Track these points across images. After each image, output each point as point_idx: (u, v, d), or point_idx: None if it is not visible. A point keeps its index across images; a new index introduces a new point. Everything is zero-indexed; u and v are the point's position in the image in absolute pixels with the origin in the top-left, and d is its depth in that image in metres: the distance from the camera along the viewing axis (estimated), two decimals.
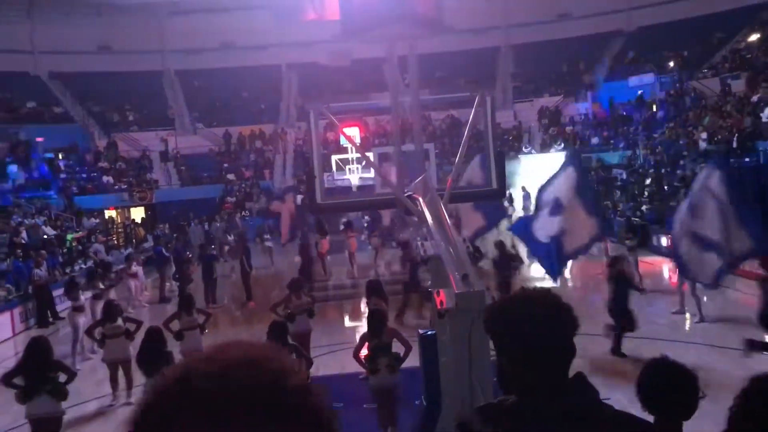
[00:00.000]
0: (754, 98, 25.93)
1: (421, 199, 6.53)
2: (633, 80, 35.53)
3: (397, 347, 8.34)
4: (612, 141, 32.63)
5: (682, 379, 3.28)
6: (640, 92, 34.75)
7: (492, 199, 8.59)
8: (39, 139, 32.12)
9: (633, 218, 22.26)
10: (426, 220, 6.16)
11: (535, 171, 30.63)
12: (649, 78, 35.05)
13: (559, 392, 1.90)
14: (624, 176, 27.97)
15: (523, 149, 33.57)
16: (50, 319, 17.35)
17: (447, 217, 6.06)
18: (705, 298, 13.63)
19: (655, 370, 3.33)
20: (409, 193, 7.04)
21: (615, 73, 37.64)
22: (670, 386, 3.25)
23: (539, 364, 1.93)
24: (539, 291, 2.04)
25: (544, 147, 34.09)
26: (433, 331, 6.31)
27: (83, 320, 13.50)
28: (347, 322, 16.24)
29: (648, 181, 25.26)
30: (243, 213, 30.60)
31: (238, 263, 18.97)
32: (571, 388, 1.93)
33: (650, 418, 3.20)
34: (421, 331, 6.97)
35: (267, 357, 0.85)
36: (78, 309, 13.70)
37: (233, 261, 23.01)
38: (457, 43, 33.18)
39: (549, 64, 39.92)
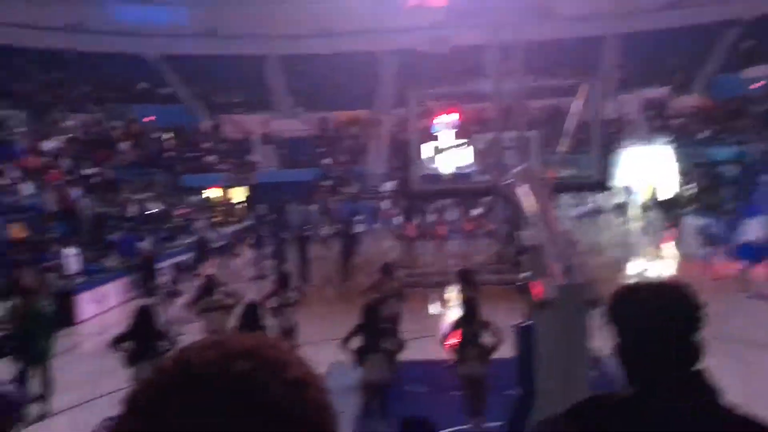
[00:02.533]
0: None
1: (522, 188, 6.42)
2: (748, 72, 33.53)
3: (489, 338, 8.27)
4: (722, 136, 30.97)
5: None
6: (756, 85, 32.76)
7: (596, 190, 8.34)
8: (149, 119, 33.69)
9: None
10: (526, 210, 6.06)
11: (639, 165, 29.62)
12: (765, 70, 32.99)
13: (678, 390, 1.82)
14: (733, 173, 26.57)
15: (626, 142, 32.40)
16: (155, 291, 18.17)
17: (550, 206, 5.94)
18: None
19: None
20: (510, 181, 6.94)
21: (728, 65, 35.66)
22: None
23: (660, 358, 1.85)
24: (670, 282, 1.95)
25: (648, 140, 32.76)
26: (530, 322, 6.22)
27: (180, 301, 14.05)
28: (434, 309, 16.24)
29: (759, 179, 23.84)
30: (337, 197, 31.09)
31: (339, 245, 19.40)
32: (691, 386, 1.85)
33: None
34: (516, 322, 6.88)
35: (267, 346, 0.83)
36: (173, 295, 14.23)
37: (329, 243, 23.52)
38: (560, 31, 32.39)
39: (657, 54, 38.26)
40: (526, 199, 6.15)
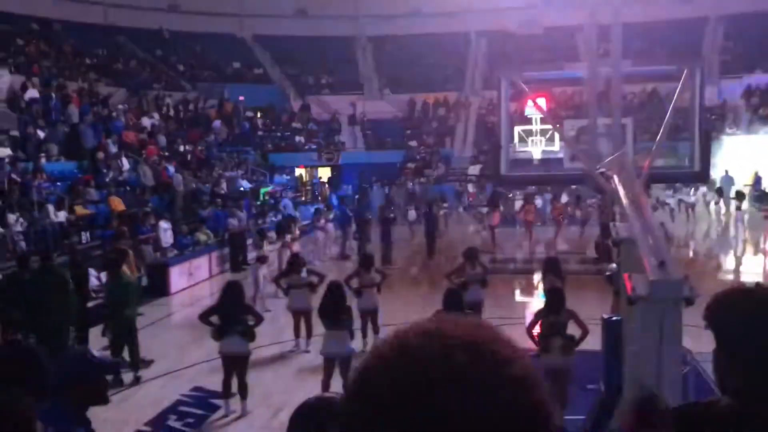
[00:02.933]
0: None
1: (615, 177, 6.18)
2: None
3: (573, 329, 8.08)
4: None
5: None
6: None
7: (694, 181, 7.95)
8: (241, 98, 34.56)
9: None
10: (620, 200, 5.84)
11: (739, 154, 28.18)
12: None
13: None
14: None
15: (727, 130, 30.83)
16: (243, 266, 18.70)
17: (645, 198, 5.70)
18: None
19: None
20: (603, 169, 6.71)
21: None
22: None
23: (762, 370, 1.74)
24: None
25: (752, 128, 31.04)
26: (618, 317, 6.02)
27: (264, 272, 14.25)
28: (518, 297, 16.03)
29: None
30: (421, 179, 31.02)
31: (423, 226, 19.50)
32: None
33: None
34: (605, 316, 6.68)
35: (490, 340, 0.81)
36: (261, 260, 14.43)
37: (413, 225, 23.58)
38: (660, 12, 31.03)
39: (763, 37, 36.06)
40: (620, 188, 5.92)
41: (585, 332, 7.96)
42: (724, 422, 1.79)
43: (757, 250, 18.68)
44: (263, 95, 36.02)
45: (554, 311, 8.17)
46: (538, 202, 23.84)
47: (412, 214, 23.66)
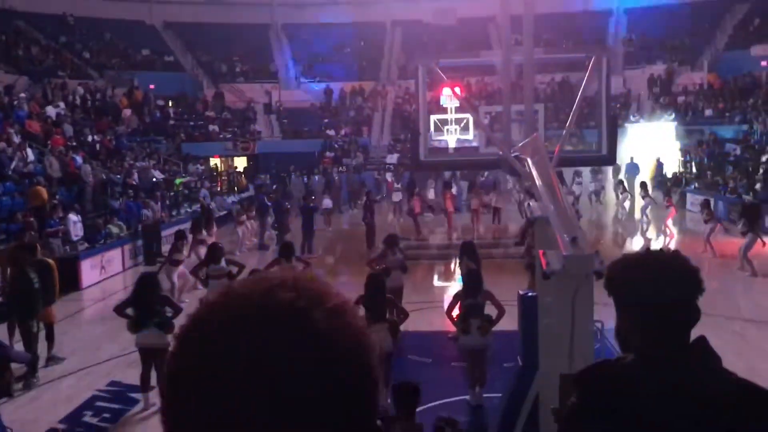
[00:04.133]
0: None
1: (529, 160, 6.41)
2: (756, 50, 33.16)
3: (491, 310, 8.33)
4: (727, 114, 30.80)
5: None
6: (764, 63, 32.46)
7: (602, 164, 8.32)
8: (151, 86, 33.51)
9: (744, 195, 21.14)
10: (534, 181, 6.06)
11: (643, 141, 29.55)
12: None
13: (680, 358, 1.85)
14: (738, 152, 26.48)
15: (631, 118, 32.27)
16: (157, 259, 18.23)
17: (556, 179, 5.94)
18: None
19: None
20: (517, 153, 6.94)
21: (736, 42, 35.29)
22: None
23: (661, 327, 1.88)
24: (666, 252, 1.99)
25: (653, 116, 32.62)
26: (534, 293, 6.26)
27: (178, 273, 14.07)
28: (437, 282, 16.35)
29: (764, 159, 23.80)
30: (340, 168, 31.02)
31: (364, 215, 19.62)
32: (693, 353, 1.88)
33: None
34: (521, 292, 6.92)
35: (306, 279, 0.88)
36: (175, 263, 14.25)
37: (331, 214, 23.61)
38: (566, 4, 32.07)
39: (664, 29, 37.90)
40: (534, 171, 6.14)
41: (501, 312, 8.23)
42: (626, 377, 1.91)
43: (659, 232, 19.69)
44: (175, 83, 35.07)
45: (472, 294, 8.40)
46: (454, 189, 24.31)
47: (327, 202, 23.67)
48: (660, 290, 1.86)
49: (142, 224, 18.88)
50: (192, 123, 33.56)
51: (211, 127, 33.24)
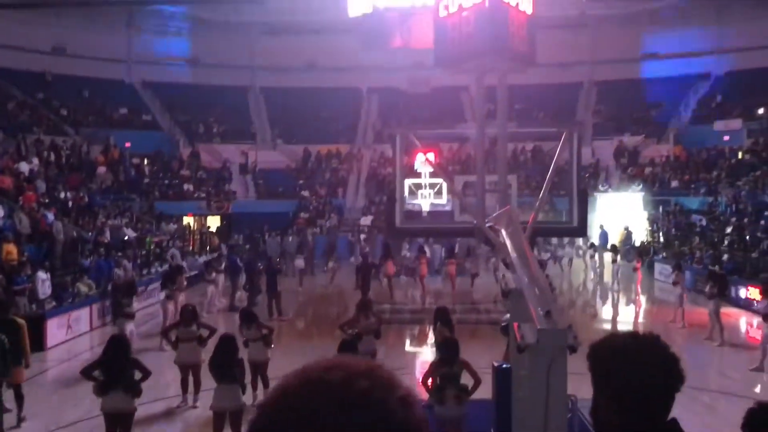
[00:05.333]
0: None
1: (503, 231, 6.54)
2: (719, 125, 34.44)
3: (466, 378, 8.31)
4: (693, 185, 31.69)
5: None
6: (725, 137, 33.69)
7: (573, 236, 8.49)
8: (127, 144, 33.56)
9: (711, 267, 21.56)
10: (508, 253, 6.17)
11: (612, 210, 30.16)
12: (736, 124, 33.93)
13: None
14: (704, 222, 27.12)
15: (600, 187, 33.00)
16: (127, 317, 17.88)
17: (530, 250, 6.06)
18: None
19: (758, 417, 3.30)
20: (491, 224, 7.07)
21: (700, 117, 36.62)
22: None
23: (642, 410, 1.92)
24: (650, 337, 2.03)
25: (622, 186, 33.42)
26: (508, 365, 6.29)
27: (130, 328, 13.86)
28: (408, 347, 16.26)
29: (729, 230, 24.40)
30: (314, 230, 31.06)
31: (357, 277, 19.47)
32: None
33: None
34: (495, 364, 6.94)
35: (379, 368, 0.95)
36: (128, 316, 14.11)
37: (304, 275, 23.53)
38: (538, 76, 32.94)
39: (632, 102, 39.22)
40: (508, 241, 6.27)
41: (477, 382, 8.20)
42: None
43: (629, 300, 19.92)
44: (151, 142, 35.19)
45: (448, 362, 8.38)
46: (428, 253, 24.46)
47: (299, 263, 23.58)
48: (645, 380, 1.91)
49: (113, 283, 18.66)
50: (167, 181, 33.53)
51: (185, 186, 33.23)
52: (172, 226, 29.02)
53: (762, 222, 23.05)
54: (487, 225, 7.14)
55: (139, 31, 39.70)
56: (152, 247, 24.75)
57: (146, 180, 32.86)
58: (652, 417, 1.93)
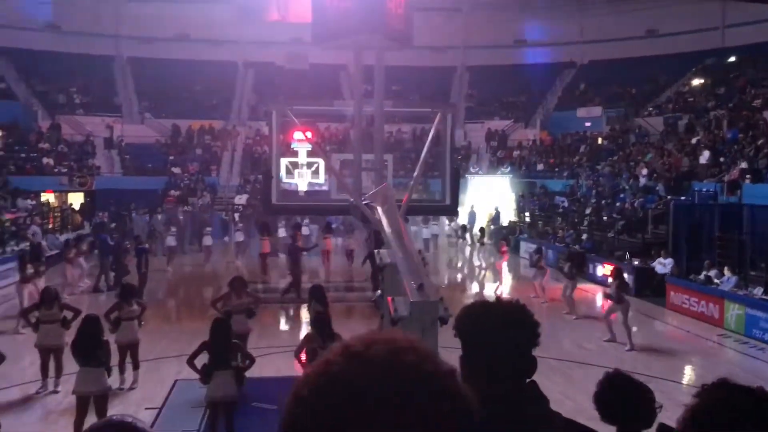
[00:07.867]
0: (694, 140, 27.05)
1: (379, 208, 6.63)
2: (581, 111, 36.61)
3: None
4: (557, 169, 33.50)
5: (638, 390, 3.50)
6: (587, 124, 35.85)
7: (446, 214, 8.76)
8: None
9: (572, 246, 22.92)
10: (384, 229, 6.27)
11: (482, 191, 31.33)
12: (596, 111, 36.20)
13: (515, 401, 2.01)
14: (566, 204, 28.74)
15: (471, 169, 34.15)
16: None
17: (404, 227, 6.19)
18: (635, 329, 14.14)
19: (612, 382, 3.53)
20: (368, 201, 7.15)
21: (564, 103, 38.72)
22: (628, 397, 3.45)
23: (500, 372, 2.03)
24: (510, 302, 2.15)
25: (491, 169, 34.79)
26: None
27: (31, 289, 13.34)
28: (284, 326, 16.19)
29: (588, 211, 26.00)
30: (185, 207, 30.10)
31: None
32: (526, 396, 2.04)
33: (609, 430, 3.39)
34: None
35: (421, 342, 0.94)
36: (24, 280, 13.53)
37: (174, 254, 22.77)
38: (414, 59, 33.57)
39: (502, 88, 40.79)
40: (384, 218, 6.37)
41: None
42: None
43: (495, 277, 20.79)
44: (6, 112, 32.66)
45: (319, 337, 8.42)
46: (305, 230, 24.40)
47: (170, 240, 22.80)
48: (505, 338, 2.02)
49: None
50: (23, 155, 31.31)
51: (45, 160, 31.17)
52: (30, 203, 27.17)
53: (618, 204, 24.72)
54: (364, 203, 7.21)
55: None
56: (8, 225, 23.07)
57: (0, 153, 30.51)
58: (513, 375, 2.03)
